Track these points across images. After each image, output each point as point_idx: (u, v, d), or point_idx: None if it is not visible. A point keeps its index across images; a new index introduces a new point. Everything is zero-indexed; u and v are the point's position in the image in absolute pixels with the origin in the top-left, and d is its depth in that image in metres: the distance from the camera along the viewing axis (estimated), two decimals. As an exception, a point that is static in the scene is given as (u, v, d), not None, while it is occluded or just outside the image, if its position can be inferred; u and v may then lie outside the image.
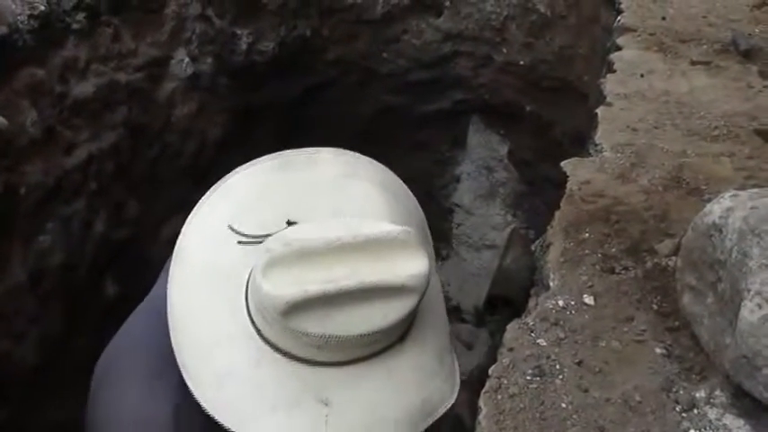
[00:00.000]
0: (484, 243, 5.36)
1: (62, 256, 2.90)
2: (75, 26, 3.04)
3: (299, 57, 4.59)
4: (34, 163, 2.75)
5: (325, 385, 1.24)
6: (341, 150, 1.43)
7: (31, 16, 2.77)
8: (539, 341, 1.67)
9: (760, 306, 1.35)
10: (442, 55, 4.99)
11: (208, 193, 1.39)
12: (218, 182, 1.41)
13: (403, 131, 5.24)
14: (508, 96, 4.96)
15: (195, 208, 1.39)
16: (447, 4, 4.83)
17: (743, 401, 1.46)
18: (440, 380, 1.38)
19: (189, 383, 1.25)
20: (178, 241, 1.36)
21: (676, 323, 1.70)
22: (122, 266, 3.32)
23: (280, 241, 1.16)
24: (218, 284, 1.32)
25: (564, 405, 1.51)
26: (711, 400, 1.51)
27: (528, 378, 1.57)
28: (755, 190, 1.60)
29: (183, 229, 1.36)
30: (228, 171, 1.39)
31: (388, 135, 5.03)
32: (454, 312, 4.84)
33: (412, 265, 1.17)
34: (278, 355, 1.24)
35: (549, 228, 2.14)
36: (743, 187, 1.95)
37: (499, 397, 1.53)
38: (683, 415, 1.49)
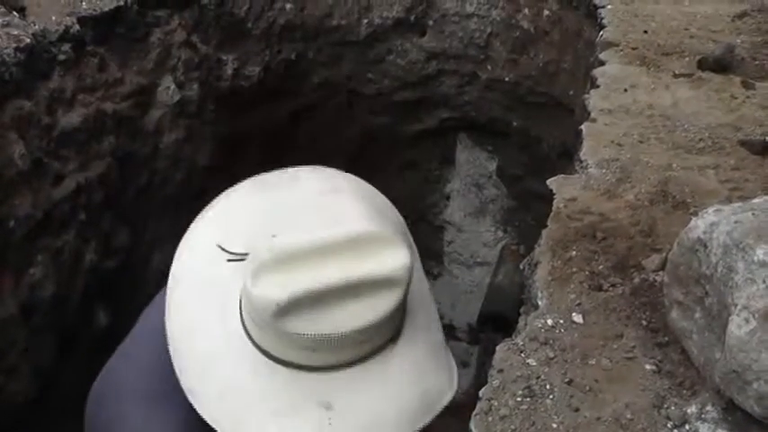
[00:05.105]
0: (475, 260, 5.38)
1: (53, 288, 2.90)
2: (60, 57, 3.04)
3: (284, 80, 4.61)
4: (23, 195, 2.75)
5: (325, 390, 1.26)
6: (319, 167, 1.45)
7: (17, 49, 2.78)
8: (528, 361, 1.68)
9: (747, 320, 1.36)
10: (428, 74, 5.02)
11: (196, 219, 1.41)
12: (205, 208, 1.43)
13: (391, 151, 5.26)
14: (494, 113, 4.99)
15: (185, 234, 1.41)
16: (431, 23, 4.86)
17: (734, 416, 1.46)
18: (436, 375, 1.39)
19: (191, 399, 1.26)
20: (172, 267, 1.38)
21: (666, 339, 1.70)
22: (113, 296, 3.32)
23: (266, 248, 1.18)
24: (211, 301, 1.34)
25: (555, 425, 1.51)
26: (703, 416, 1.51)
27: (518, 399, 1.57)
28: (739, 204, 1.61)
29: (176, 255, 1.38)
30: (217, 196, 1.42)
31: (376, 156, 5.05)
32: (448, 330, 4.84)
33: (395, 258, 1.19)
34: (276, 365, 1.26)
35: (536, 246, 2.15)
36: (729, 199, 1.96)
37: (490, 419, 1.53)
38: (675, 431, 1.49)
